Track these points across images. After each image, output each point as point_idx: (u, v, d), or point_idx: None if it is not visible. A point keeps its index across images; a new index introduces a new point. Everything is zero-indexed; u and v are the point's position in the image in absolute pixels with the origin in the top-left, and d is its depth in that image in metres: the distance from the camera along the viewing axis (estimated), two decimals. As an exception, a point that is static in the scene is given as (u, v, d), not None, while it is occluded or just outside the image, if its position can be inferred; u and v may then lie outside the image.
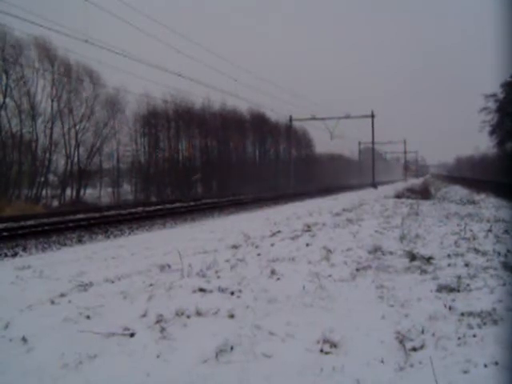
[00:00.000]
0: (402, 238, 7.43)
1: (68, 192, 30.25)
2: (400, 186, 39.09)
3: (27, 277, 5.19)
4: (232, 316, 3.64)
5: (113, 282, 4.74)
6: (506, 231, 7.96)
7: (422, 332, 3.29)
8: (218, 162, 42.11)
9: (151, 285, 4.53)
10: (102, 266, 5.78)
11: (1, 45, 25.10)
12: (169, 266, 5.30)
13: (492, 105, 41.08)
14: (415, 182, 54.13)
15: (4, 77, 25.78)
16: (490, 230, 8.01)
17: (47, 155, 28.80)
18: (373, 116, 39.57)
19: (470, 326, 3.37)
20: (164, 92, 33.60)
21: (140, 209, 19.37)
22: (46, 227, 12.50)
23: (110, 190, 34.41)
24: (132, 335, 3.27)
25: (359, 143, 64.73)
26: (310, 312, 3.80)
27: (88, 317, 3.63)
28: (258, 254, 6.12)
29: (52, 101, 28.73)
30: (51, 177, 30.04)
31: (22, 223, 13.74)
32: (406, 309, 3.86)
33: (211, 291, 4.26)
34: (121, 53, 17.77)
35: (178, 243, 7.31)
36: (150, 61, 20.53)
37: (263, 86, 60.07)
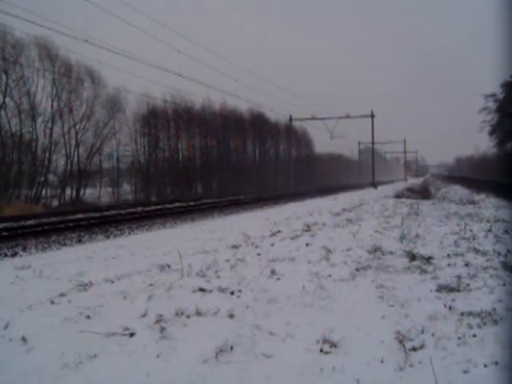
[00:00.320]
0: (402, 237, 7.43)
1: (68, 192, 30.30)
2: (400, 185, 39.15)
3: (27, 277, 5.19)
4: (232, 316, 3.64)
5: (113, 282, 4.73)
6: (506, 231, 7.96)
7: (422, 332, 3.29)
8: (217, 162, 42.13)
9: (151, 285, 4.52)
10: (102, 265, 5.77)
11: (1, 44, 25.11)
12: (169, 266, 5.30)
13: (492, 105, 41.16)
14: (415, 181, 54.21)
15: (4, 77, 25.80)
16: (489, 230, 8.01)
17: (47, 155, 28.85)
18: (373, 116, 39.54)
19: (469, 326, 3.37)
20: (164, 92, 33.63)
21: (140, 209, 19.37)
22: (46, 227, 12.50)
23: (109, 189, 34.44)
24: (132, 335, 3.27)
25: (359, 143, 64.79)
26: (310, 312, 3.80)
27: (88, 317, 3.63)
28: (258, 254, 6.12)
29: (52, 101, 28.81)
30: (51, 177, 30.09)
31: (22, 223, 13.76)
32: (405, 309, 3.86)
33: (211, 291, 4.25)
34: (121, 53, 17.77)
35: (178, 243, 7.31)
36: (150, 61, 20.45)
37: (263, 86, 59.97)
